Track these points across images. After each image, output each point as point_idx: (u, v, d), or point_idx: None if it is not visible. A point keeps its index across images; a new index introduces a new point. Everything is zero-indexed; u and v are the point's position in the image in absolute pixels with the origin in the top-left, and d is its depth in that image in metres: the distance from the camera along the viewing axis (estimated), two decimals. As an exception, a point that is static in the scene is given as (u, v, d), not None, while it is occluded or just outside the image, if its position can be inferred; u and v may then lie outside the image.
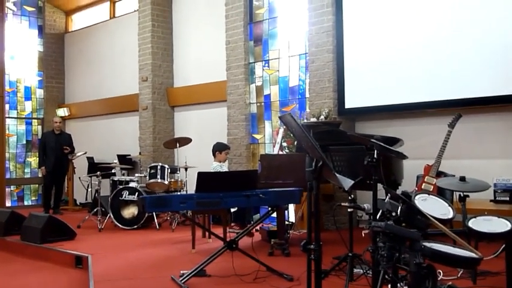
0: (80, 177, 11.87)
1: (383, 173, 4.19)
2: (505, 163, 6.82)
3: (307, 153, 3.34)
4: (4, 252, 7.51)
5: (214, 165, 7.87)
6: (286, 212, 7.12)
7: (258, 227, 7.29)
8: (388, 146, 4.21)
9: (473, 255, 3.17)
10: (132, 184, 8.89)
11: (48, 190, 11.03)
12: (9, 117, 13.05)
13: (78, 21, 14.29)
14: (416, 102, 7.35)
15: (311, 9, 8.42)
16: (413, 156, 5.83)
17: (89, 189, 11.88)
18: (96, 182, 9.06)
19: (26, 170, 13.72)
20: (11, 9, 13.05)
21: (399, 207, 3.35)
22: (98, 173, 8.94)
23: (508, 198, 6.35)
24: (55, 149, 10.73)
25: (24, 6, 13.76)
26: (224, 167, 8.09)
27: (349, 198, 4.45)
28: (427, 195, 4.20)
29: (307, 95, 8.72)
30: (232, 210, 7.76)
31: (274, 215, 6.04)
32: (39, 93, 14.02)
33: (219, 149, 8.01)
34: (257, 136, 9.75)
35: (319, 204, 3.37)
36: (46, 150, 10.78)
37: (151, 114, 11.16)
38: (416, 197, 4.00)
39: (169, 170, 8.90)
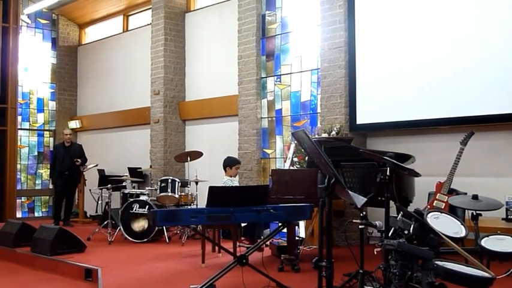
0: (90, 190, 11.92)
1: (394, 190, 4.17)
2: (518, 181, 6.76)
3: (320, 169, 3.34)
4: (14, 263, 7.52)
5: (225, 180, 7.86)
6: (296, 227, 7.09)
7: (268, 242, 7.27)
8: (400, 164, 4.20)
9: (485, 274, 3.15)
10: (142, 197, 8.90)
11: (59, 202, 11.08)
12: (21, 129, 13.17)
13: (91, 34, 14.42)
14: (429, 119, 7.33)
15: (324, 25, 8.43)
16: (425, 173, 5.78)
17: (99, 202, 11.91)
18: (107, 195, 9.08)
19: (37, 182, 13.77)
20: (25, 22, 13.20)
21: (411, 225, 3.34)
22: (109, 185, 8.97)
23: (520, 217, 6.30)
24: (65, 161, 10.80)
25: (38, 19, 13.91)
26: (235, 182, 8.08)
27: (361, 214, 4.42)
28: (439, 213, 4.19)
29: (319, 110, 8.71)
30: (242, 224, 7.73)
31: (285, 230, 6.02)
32: (52, 105, 14.12)
33: (229, 163, 7.99)
34: (268, 151, 9.75)
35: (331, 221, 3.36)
36: (57, 162, 10.86)
37: (163, 128, 11.18)
38: (429, 215, 3.99)
39: (179, 183, 8.90)
